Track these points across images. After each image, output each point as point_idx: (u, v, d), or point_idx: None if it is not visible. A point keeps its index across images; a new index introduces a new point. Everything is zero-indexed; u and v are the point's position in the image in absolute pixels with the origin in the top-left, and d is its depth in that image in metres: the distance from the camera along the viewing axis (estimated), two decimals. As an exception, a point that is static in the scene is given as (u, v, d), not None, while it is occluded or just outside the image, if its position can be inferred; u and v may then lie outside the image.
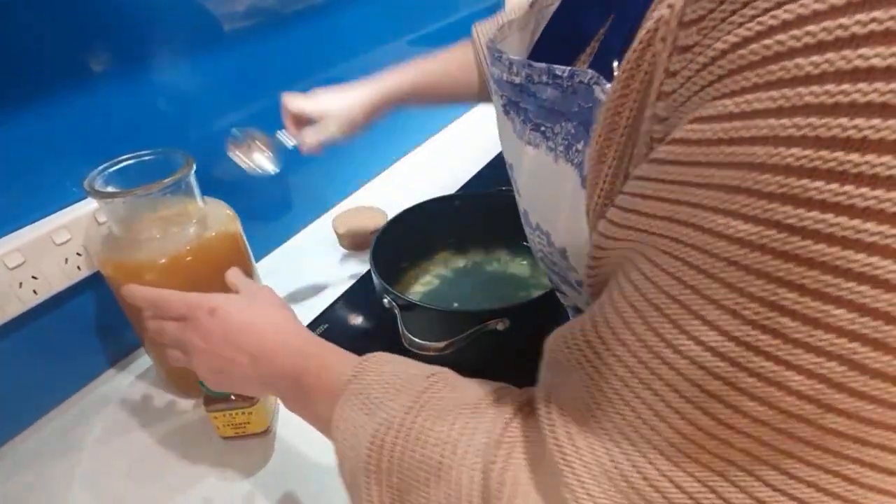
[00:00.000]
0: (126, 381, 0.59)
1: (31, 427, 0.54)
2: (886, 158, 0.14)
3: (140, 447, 0.52)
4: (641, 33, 0.20)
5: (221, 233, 0.50)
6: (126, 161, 0.49)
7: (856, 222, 0.14)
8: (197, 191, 0.50)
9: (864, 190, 0.14)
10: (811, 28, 0.14)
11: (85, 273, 0.53)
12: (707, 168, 0.17)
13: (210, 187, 0.53)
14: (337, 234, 0.77)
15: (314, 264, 0.75)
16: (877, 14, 0.13)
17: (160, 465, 0.50)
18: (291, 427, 0.52)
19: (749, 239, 0.16)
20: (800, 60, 0.15)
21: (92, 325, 0.57)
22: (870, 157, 0.14)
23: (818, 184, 0.15)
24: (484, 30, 0.58)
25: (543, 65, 0.28)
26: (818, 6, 0.14)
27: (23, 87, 0.46)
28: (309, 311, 0.66)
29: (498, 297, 0.65)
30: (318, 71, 0.76)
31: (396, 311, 0.52)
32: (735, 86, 0.16)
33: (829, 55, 0.14)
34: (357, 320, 0.65)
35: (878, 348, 0.15)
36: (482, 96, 0.60)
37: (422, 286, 0.67)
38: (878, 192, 0.14)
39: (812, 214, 0.15)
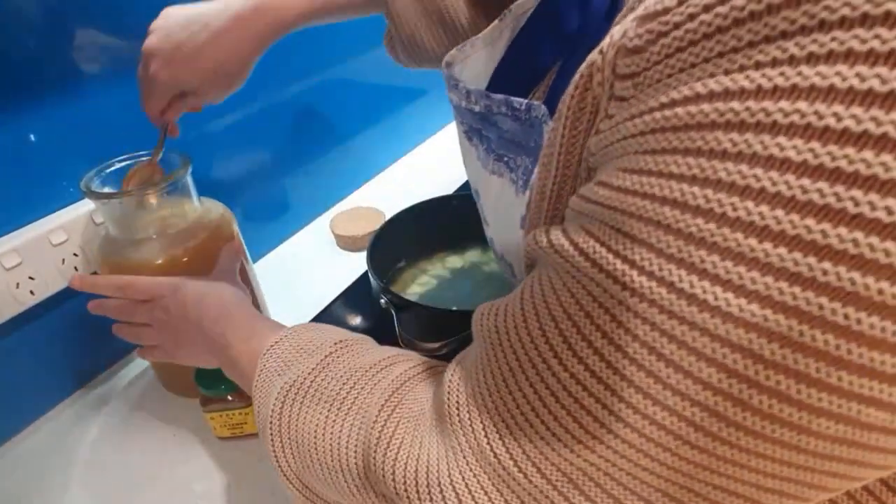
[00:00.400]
0: (123, 383, 0.59)
1: (28, 428, 0.54)
2: (781, 250, 0.14)
3: (137, 448, 0.52)
4: (576, 77, 0.20)
5: (218, 233, 0.50)
6: (123, 162, 0.48)
7: (742, 301, 0.15)
8: (193, 191, 0.50)
9: (753, 274, 0.15)
10: (735, 105, 0.15)
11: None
12: (621, 215, 0.18)
13: (207, 188, 0.53)
14: (334, 234, 0.77)
15: (312, 265, 0.75)
16: (801, 105, 0.14)
17: (157, 467, 0.50)
18: (289, 427, 0.52)
19: (642, 291, 0.17)
20: (719, 135, 0.15)
21: (89, 326, 0.57)
22: (766, 246, 0.15)
23: (713, 258, 0.16)
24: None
25: (501, 96, 0.28)
26: (746, 84, 0.15)
27: (19, 88, 0.46)
28: (307, 311, 0.66)
29: (496, 298, 0.64)
30: (315, 70, 0.76)
31: (393, 312, 0.52)
32: (657, 144, 0.17)
33: (748, 136, 0.15)
34: (355, 320, 0.65)
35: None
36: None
37: (419, 286, 0.67)
38: (768, 279, 0.15)
39: (702, 284, 0.16)
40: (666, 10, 0.16)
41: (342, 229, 0.77)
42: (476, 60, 0.34)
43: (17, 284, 0.48)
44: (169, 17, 0.43)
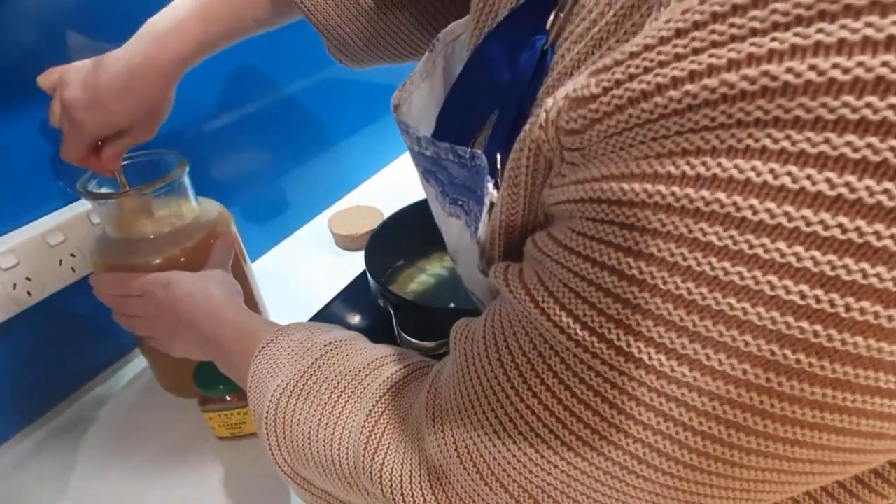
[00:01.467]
0: (121, 384, 0.59)
1: (26, 429, 0.54)
2: (706, 323, 0.16)
3: (135, 449, 0.52)
4: (524, 148, 0.21)
5: (215, 233, 0.50)
6: (120, 162, 0.48)
7: (684, 368, 0.17)
8: (191, 191, 0.50)
9: (684, 341, 0.17)
10: (661, 189, 0.16)
11: (79, 274, 0.53)
12: (567, 272, 0.20)
13: (204, 188, 0.52)
14: (332, 233, 0.77)
15: (310, 264, 0.75)
16: (720, 196, 0.15)
17: (156, 467, 0.50)
18: (288, 427, 0.52)
19: (585, 345, 0.19)
20: (648, 214, 0.16)
21: (86, 327, 0.57)
22: (694, 318, 0.17)
23: (647, 323, 0.17)
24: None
25: (447, 144, 0.29)
26: (672, 170, 0.16)
27: (15, 88, 0.46)
28: (305, 310, 0.65)
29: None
30: (312, 68, 0.76)
31: (391, 311, 0.52)
32: (596, 213, 0.18)
33: (674, 218, 0.16)
34: (354, 319, 0.65)
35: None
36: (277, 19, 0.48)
37: (418, 285, 0.66)
38: (693, 345, 0.17)
39: (638, 344, 0.18)
40: (593, 98, 0.17)
41: (340, 228, 0.76)
42: (419, 95, 0.35)
43: (14, 285, 0.48)
44: (72, 71, 0.43)
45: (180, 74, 0.44)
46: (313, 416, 0.30)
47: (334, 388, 0.31)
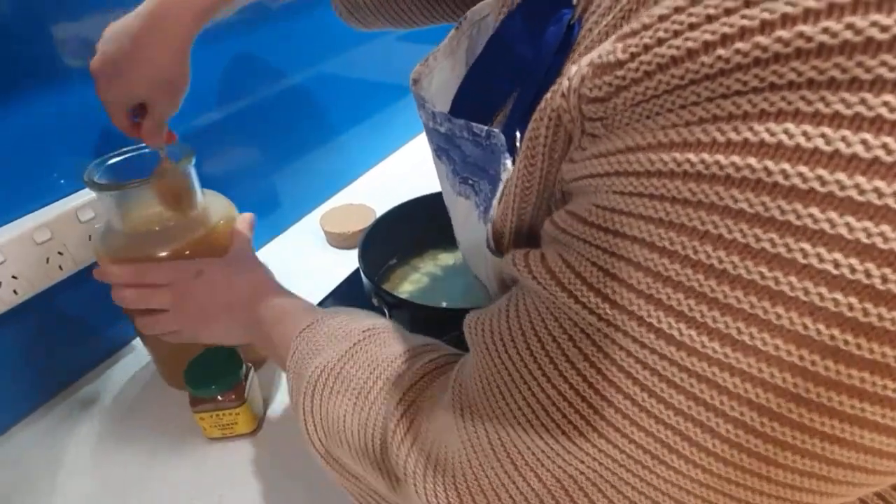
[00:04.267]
0: (110, 383, 0.58)
1: (14, 428, 0.53)
2: (738, 293, 0.16)
3: (124, 450, 0.51)
4: (544, 118, 0.21)
5: (221, 225, 0.50)
6: (125, 154, 0.48)
7: (715, 344, 0.16)
8: (196, 183, 0.49)
9: (714, 314, 0.16)
10: (690, 156, 0.16)
11: (67, 272, 0.52)
12: (595, 249, 0.19)
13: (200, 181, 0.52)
14: (325, 231, 0.77)
15: (302, 262, 0.75)
16: (751, 161, 0.15)
17: (145, 468, 0.49)
18: (280, 428, 0.52)
19: (616, 324, 0.18)
20: (678, 184, 0.16)
21: (74, 325, 0.56)
22: (725, 288, 0.16)
23: (678, 296, 0.17)
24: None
25: (462, 121, 0.29)
26: (702, 136, 0.15)
27: (1, 84, 0.45)
28: (297, 309, 0.65)
29: (488, 296, 0.64)
30: (305, 66, 0.75)
31: (385, 310, 0.52)
32: (623, 187, 0.18)
33: (704, 186, 0.15)
34: (346, 318, 0.65)
35: None
36: None
37: (411, 284, 0.66)
38: (727, 319, 0.16)
39: (679, 325, 0.17)
40: (619, 64, 0.17)
41: (333, 226, 0.76)
42: (441, 72, 0.35)
43: (0, 284, 0.47)
44: (104, 35, 0.43)
45: (191, 38, 0.42)
46: (349, 400, 0.31)
47: (370, 373, 0.31)
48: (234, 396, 0.47)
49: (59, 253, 0.51)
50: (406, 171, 0.96)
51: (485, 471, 0.24)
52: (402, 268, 0.68)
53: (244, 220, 0.51)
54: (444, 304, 0.62)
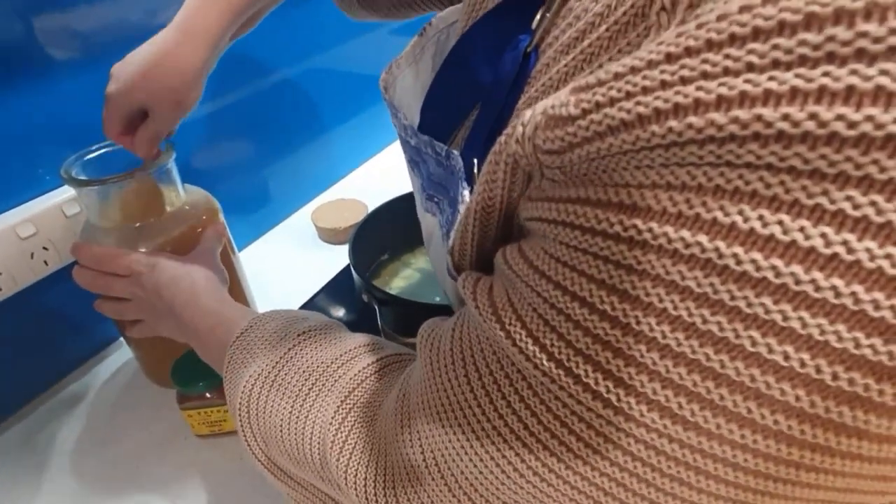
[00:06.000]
0: (97, 381, 0.57)
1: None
2: (667, 363, 0.15)
3: (112, 447, 0.50)
4: (500, 161, 0.20)
5: (203, 222, 0.49)
6: (104, 149, 0.47)
7: (669, 393, 0.16)
8: (178, 179, 0.48)
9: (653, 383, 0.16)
10: (637, 222, 0.15)
11: (52, 268, 0.51)
12: (537, 297, 0.18)
13: (186, 179, 0.51)
14: (316, 226, 0.76)
15: (294, 257, 0.74)
16: (684, 234, 0.14)
17: (133, 466, 0.48)
18: (269, 424, 0.51)
19: (544, 370, 0.18)
20: (622, 247, 0.16)
21: (59, 322, 0.55)
22: (654, 356, 0.16)
23: (618, 362, 0.16)
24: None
25: (427, 137, 0.28)
26: (639, 202, 0.15)
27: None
28: (287, 305, 0.64)
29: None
30: (297, 60, 0.75)
31: (375, 306, 0.51)
32: (569, 240, 0.17)
33: (637, 252, 0.15)
34: (338, 313, 0.64)
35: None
36: None
37: (402, 280, 0.66)
38: (655, 386, 0.16)
39: (607, 383, 0.17)
40: (571, 119, 0.16)
41: (324, 221, 0.75)
42: (404, 79, 0.34)
43: (-17, 279, 0.46)
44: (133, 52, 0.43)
45: (210, 51, 0.42)
46: (284, 408, 0.30)
47: (305, 379, 0.30)
48: (222, 393, 0.47)
49: (45, 248, 0.50)
50: (398, 166, 0.94)
51: (426, 485, 0.24)
52: (394, 263, 0.68)
53: (219, 225, 0.50)
54: (436, 300, 0.62)
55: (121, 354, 0.60)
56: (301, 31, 0.74)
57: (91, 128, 0.49)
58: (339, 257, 0.72)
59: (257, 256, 0.75)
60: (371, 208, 0.66)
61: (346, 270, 0.70)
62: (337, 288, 0.68)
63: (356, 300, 0.56)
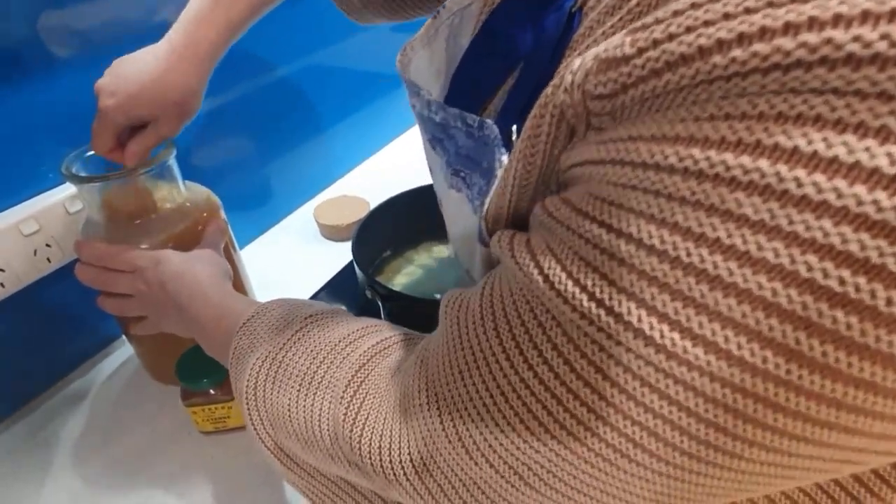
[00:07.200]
0: (100, 377, 0.57)
1: (3, 423, 0.52)
2: (731, 301, 0.15)
3: (116, 443, 0.50)
4: (545, 113, 0.20)
5: (204, 219, 0.49)
6: None
7: (699, 350, 0.16)
8: (178, 176, 0.48)
9: (702, 318, 0.16)
10: (695, 152, 0.15)
11: (55, 265, 0.51)
12: (584, 243, 0.18)
13: (188, 176, 0.51)
14: (319, 223, 0.76)
15: (296, 254, 0.74)
16: (762, 164, 0.14)
17: (137, 463, 0.49)
18: (273, 420, 0.51)
19: (591, 318, 0.18)
20: (677, 180, 0.15)
21: (63, 319, 0.55)
22: (717, 294, 0.15)
23: (663, 297, 0.16)
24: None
25: (456, 110, 0.28)
26: (710, 133, 0.15)
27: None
28: (290, 302, 0.64)
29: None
30: (298, 57, 0.74)
31: (379, 302, 0.51)
32: (619, 179, 0.17)
33: (705, 186, 0.15)
34: (340, 311, 0.64)
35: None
36: None
37: (405, 276, 0.66)
38: (714, 325, 0.16)
39: (650, 319, 0.16)
40: (626, 59, 0.16)
41: (326, 218, 0.75)
42: (419, 62, 0.34)
43: (-13, 276, 0.46)
44: (117, 61, 0.44)
45: (210, 65, 0.44)
46: (292, 387, 0.30)
47: (314, 358, 0.30)
48: (226, 390, 0.47)
49: (47, 245, 0.50)
50: (400, 162, 0.95)
51: (440, 451, 0.23)
52: (397, 260, 0.68)
53: (220, 221, 0.50)
54: (437, 297, 0.62)
55: (124, 351, 0.60)
56: (302, 29, 0.74)
57: (89, 127, 0.49)
58: (341, 254, 0.72)
59: (259, 254, 0.75)
60: (373, 205, 0.66)
61: (348, 267, 0.70)
62: (339, 285, 0.68)
63: (359, 297, 0.56)
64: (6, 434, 0.52)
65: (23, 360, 0.53)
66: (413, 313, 0.51)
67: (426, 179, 0.75)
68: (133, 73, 0.42)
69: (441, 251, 0.69)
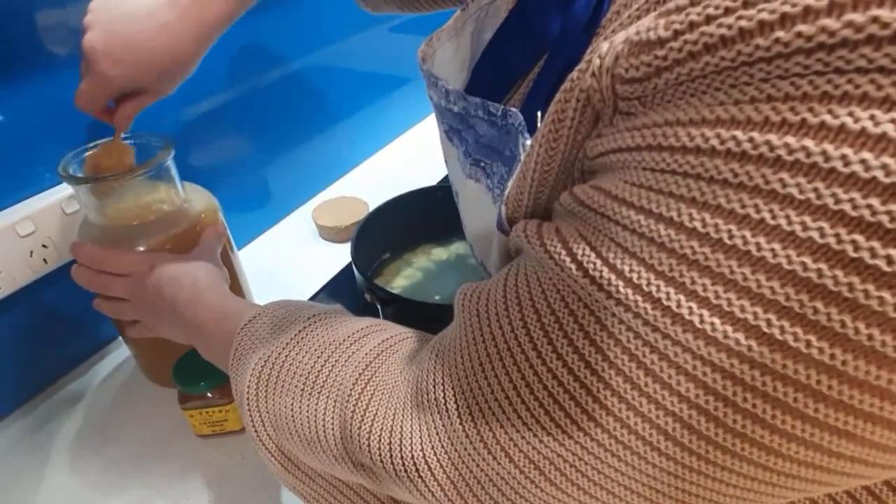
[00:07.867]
0: (97, 380, 0.57)
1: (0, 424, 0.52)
2: (774, 283, 0.15)
3: (113, 445, 0.50)
4: (570, 98, 0.19)
5: (203, 221, 0.49)
6: (102, 146, 0.46)
7: (727, 328, 0.16)
8: (177, 177, 0.48)
9: (743, 303, 0.15)
10: (737, 134, 0.15)
11: (52, 266, 0.51)
12: (616, 225, 0.18)
13: (186, 177, 0.51)
14: (317, 225, 0.76)
15: (295, 255, 0.74)
16: (807, 143, 0.14)
17: (134, 466, 0.48)
18: (271, 423, 0.51)
19: (627, 303, 0.17)
20: (718, 163, 0.15)
21: (59, 320, 0.55)
22: (759, 277, 0.15)
23: (704, 280, 0.16)
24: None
25: (478, 99, 0.28)
26: (753, 114, 0.14)
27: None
28: (288, 304, 0.64)
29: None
30: (298, 57, 0.74)
31: (377, 305, 0.51)
32: (656, 164, 0.17)
33: (749, 168, 0.14)
34: (338, 313, 0.64)
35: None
36: None
37: (404, 279, 0.66)
38: (757, 310, 0.15)
39: (689, 304, 0.16)
40: (661, 42, 0.16)
41: (325, 220, 0.75)
42: (443, 53, 0.34)
43: (-17, 278, 0.46)
44: (102, 11, 0.40)
45: (219, 34, 0.42)
46: (296, 387, 0.29)
47: (318, 356, 0.29)
48: (224, 393, 0.47)
49: (44, 246, 0.49)
50: (400, 163, 0.95)
51: (455, 446, 0.23)
52: (395, 262, 0.67)
53: (218, 224, 0.50)
54: (436, 299, 0.61)
55: (121, 353, 0.60)
56: (301, 29, 0.74)
57: (90, 125, 0.49)
58: (339, 256, 0.72)
59: (258, 255, 0.75)
60: (372, 207, 0.66)
61: (346, 269, 0.70)
62: (338, 287, 0.68)
63: (358, 299, 0.56)
64: (3, 435, 0.51)
65: (20, 361, 0.53)
66: (411, 316, 0.51)
67: (426, 181, 0.75)
68: (138, 40, 0.39)
69: (440, 254, 0.69)
